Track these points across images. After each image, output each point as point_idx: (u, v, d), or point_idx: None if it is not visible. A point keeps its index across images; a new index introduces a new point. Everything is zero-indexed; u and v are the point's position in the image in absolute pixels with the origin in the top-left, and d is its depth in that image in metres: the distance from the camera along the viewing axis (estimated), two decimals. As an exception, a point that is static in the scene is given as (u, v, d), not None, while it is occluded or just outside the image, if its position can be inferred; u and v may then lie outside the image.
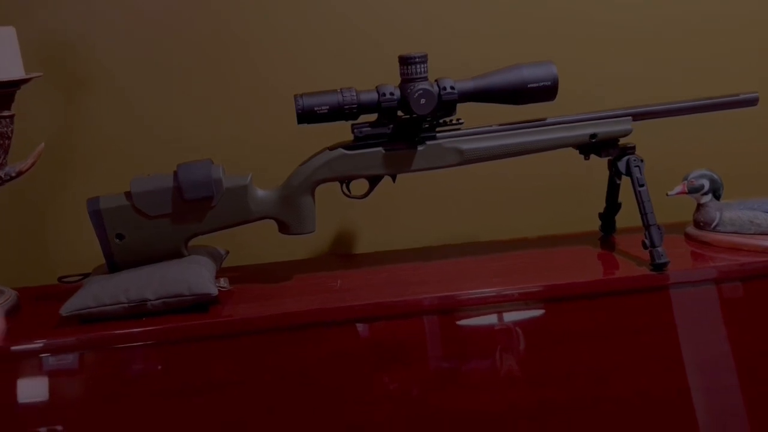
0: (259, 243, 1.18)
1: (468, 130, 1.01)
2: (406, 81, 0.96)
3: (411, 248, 1.19)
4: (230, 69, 1.18)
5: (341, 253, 1.26)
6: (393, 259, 1.13)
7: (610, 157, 1.04)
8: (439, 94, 0.95)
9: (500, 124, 1.01)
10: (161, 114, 1.18)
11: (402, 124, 0.99)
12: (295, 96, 0.95)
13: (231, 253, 1.11)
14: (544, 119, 1.02)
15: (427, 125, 1.00)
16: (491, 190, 1.26)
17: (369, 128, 0.99)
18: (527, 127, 1.01)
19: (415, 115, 0.95)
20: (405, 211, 1.24)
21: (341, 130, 1.00)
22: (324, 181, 1.00)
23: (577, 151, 1.06)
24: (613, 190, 1.12)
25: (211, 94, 1.19)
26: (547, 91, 0.98)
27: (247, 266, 1.15)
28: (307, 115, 0.95)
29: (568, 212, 1.26)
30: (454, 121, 1.00)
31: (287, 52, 1.19)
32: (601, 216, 1.16)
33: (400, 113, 0.98)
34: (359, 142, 0.99)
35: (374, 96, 0.96)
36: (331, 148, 1.00)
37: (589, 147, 1.04)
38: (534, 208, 1.28)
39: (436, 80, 0.97)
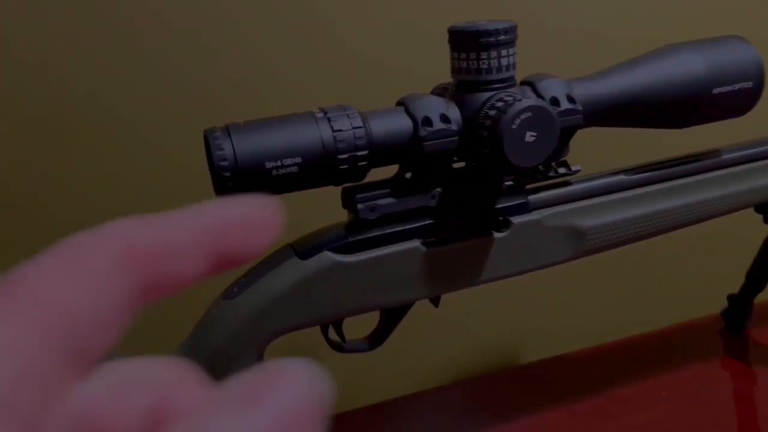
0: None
1: (584, 184, 0.47)
2: (471, 87, 0.41)
3: (435, 387, 0.65)
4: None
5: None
6: (421, 419, 0.59)
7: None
8: (548, 115, 0.41)
9: (634, 169, 0.49)
10: None
11: (458, 184, 0.44)
12: (209, 132, 0.37)
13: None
14: (716, 152, 0.51)
15: (510, 181, 0.45)
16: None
17: (391, 198, 0.42)
18: (694, 171, 0.50)
19: (497, 165, 0.41)
20: (417, 324, 0.67)
21: (313, 196, 0.43)
22: (288, 330, 0.42)
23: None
24: (766, 263, 0.65)
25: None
26: (741, 100, 0.47)
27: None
28: (246, 177, 0.36)
29: (654, 292, 0.78)
30: (559, 169, 0.46)
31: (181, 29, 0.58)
32: (732, 299, 0.69)
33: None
34: (369, 231, 0.43)
35: (406, 125, 0.40)
36: (302, 252, 0.42)
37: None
38: (604, 292, 0.78)
39: (526, 82, 0.43)
